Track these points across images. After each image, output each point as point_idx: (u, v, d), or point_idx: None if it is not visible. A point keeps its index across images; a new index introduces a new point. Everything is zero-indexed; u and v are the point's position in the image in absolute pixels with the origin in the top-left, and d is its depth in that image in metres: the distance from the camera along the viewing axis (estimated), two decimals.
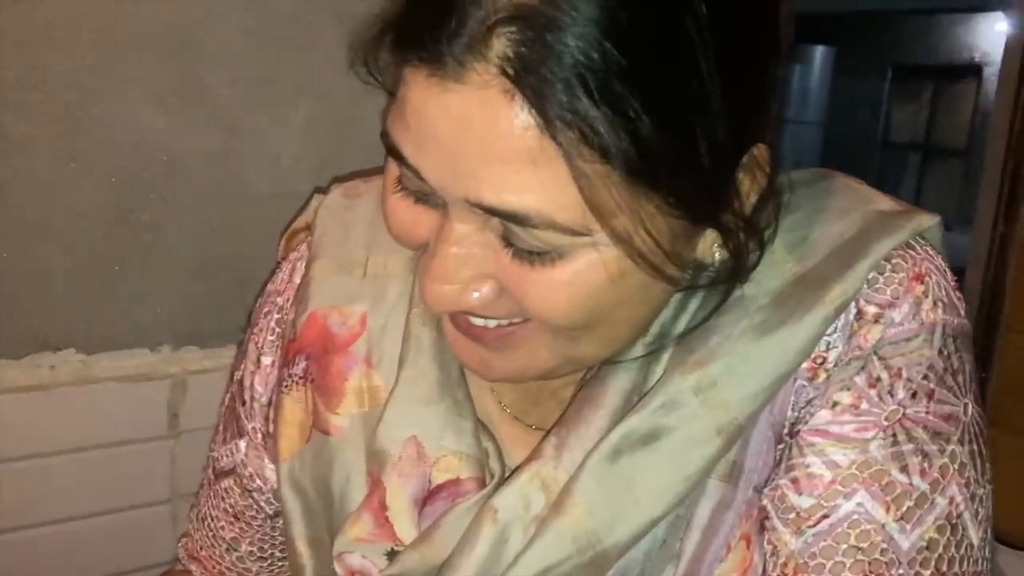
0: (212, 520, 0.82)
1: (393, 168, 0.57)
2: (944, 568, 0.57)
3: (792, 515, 0.59)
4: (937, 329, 0.59)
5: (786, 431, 0.61)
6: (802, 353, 0.58)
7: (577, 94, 0.47)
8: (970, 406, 0.60)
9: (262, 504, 0.79)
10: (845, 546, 0.57)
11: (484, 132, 0.49)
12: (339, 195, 0.76)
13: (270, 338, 0.76)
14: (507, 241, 0.53)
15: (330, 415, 0.69)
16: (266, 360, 0.76)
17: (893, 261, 0.60)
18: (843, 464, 0.58)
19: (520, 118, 0.48)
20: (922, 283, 0.60)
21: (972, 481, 0.58)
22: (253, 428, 0.77)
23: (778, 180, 0.59)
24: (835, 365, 0.59)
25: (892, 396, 0.58)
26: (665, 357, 0.61)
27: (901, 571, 0.56)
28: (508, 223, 0.51)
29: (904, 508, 0.57)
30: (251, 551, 0.82)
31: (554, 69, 0.47)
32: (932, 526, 0.57)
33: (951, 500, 0.57)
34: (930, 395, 0.58)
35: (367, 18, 0.58)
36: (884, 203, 0.63)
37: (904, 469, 0.57)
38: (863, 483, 0.57)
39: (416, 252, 0.69)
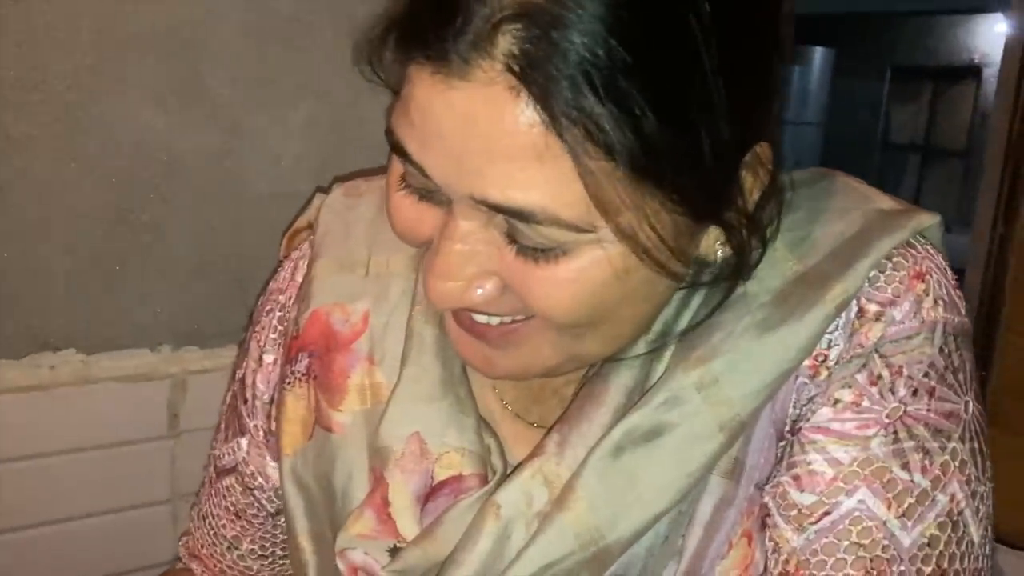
0: (213, 518, 0.82)
1: (397, 165, 0.57)
2: (945, 565, 0.57)
3: (794, 512, 0.59)
4: (938, 327, 0.60)
5: (787, 428, 0.61)
6: (804, 351, 0.59)
7: (582, 91, 0.47)
8: (971, 404, 0.60)
9: (263, 502, 0.79)
10: (847, 543, 0.57)
11: (489, 129, 0.49)
12: (341, 194, 0.76)
13: (272, 336, 0.76)
14: (511, 238, 0.53)
15: (332, 412, 0.69)
16: (268, 358, 0.76)
17: (894, 260, 0.60)
18: (845, 461, 0.58)
19: (525, 115, 0.48)
20: (923, 281, 0.60)
21: (973, 478, 0.59)
22: (255, 426, 0.77)
23: (780, 178, 0.60)
24: (836, 363, 0.60)
25: (893, 394, 0.58)
26: (667, 354, 0.61)
27: (903, 568, 0.56)
28: (513, 220, 0.51)
29: (905, 505, 0.57)
30: (252, 549, 0.82)
31: (560, 66, 0.47)
32: (933, 523, 0.57)
33: (952, 497, 0.58)
34: (931, 393, 0.59)
35: (368, 18, 0.58)
36: (885, 202, 0.63)
37: (905, 466, 0.57)
38: (864, 480, 0.58)
39: (418, 251, 0.69)
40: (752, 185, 0.57)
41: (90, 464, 1.14)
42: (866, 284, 0.59)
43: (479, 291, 0.55)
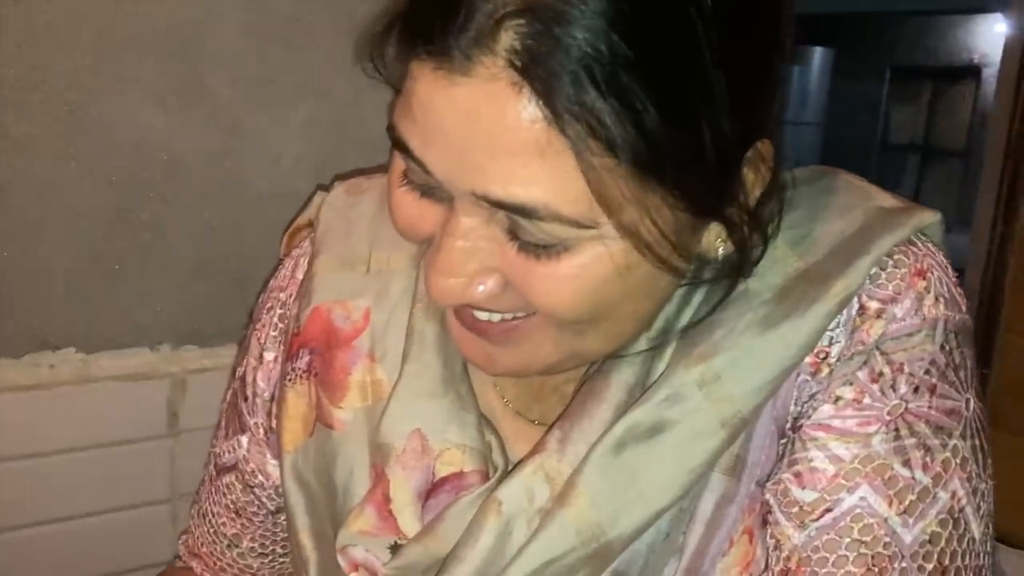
0: (213, 516, 0.82)
1: (398, 162, 0.57)
2: (946, 561, 0.57)
3: (795, 509, 0.59)
4: (939, 324, 0.60)
5: (788, 426, 0.61)
6: (805, 347, 0.59)
7: (584, 87, 0.47)
8: (972, 401, 0.60)
9: (263, 500, 0.79)
10: (848, 540, 0.57)
11: (491, 125, 0.49)
12: (342, 192, 0.76)
13: (272, 333, 0.76)
14: (513, 234, 0.53)
15: (333, 409, 0.69)
16: (268, 355, 0.76)
17: (895, 257, 0.60)
18: (846, 458, 0.58)
19: (527, 111, 0.48)
20: (924, 279, 0.60)
21: (974, 475, 0.59)
22: (255, 424, 0.77)
23: (781, 175, 0.60)
24: (837, 360, 0.60)
25: (894, 391, 0.58)
26: (668, 352, 0.62)
27: (904, 564, 0.56)
28: (515, 216, 0.52)
29: (907, 502, 0.57)
30: (252, 547, 0.82)
31: (562, 62, 0.47)
32: (934, 520, 0.57)
33: (953, 494, 0.58)
34: (932, 390, 0.59)
35: (368, 17, 0.58)
36: (886, 200, 0.63)
37: (907, 463, 0.57)
38: (866, 477, 0.58)
39: (419, 249, 0.69)
40: (754, 181, 0.57)
41: (89, 463, 1.14)
42: (867, 281, 0.59)
43: (480, 288, 0.55)
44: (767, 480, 0.61)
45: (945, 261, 0.62)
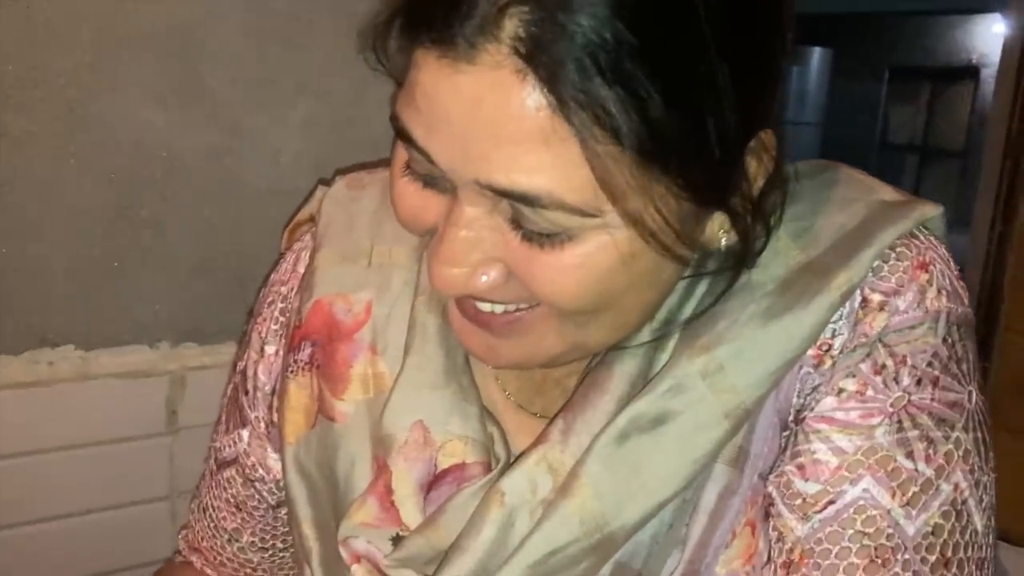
0: (214, 511, 0.82)
1: (401, 152, 0.57)
2: (949, 553, 0.57)
3: (798, 501, 0.59)
4: (941, 317, 0.60)
5: (791, 418, 0.61)
6: (808, 339, 0.59)
7: (589, 74, 0.47)
8: (974, 394, 0.60)
9: (264, 494, 0.79)
10: (851, 531, 0.57)
11: (495, 113, 0.49)
12: (343, 186, 0.76)
13: (274, 327, 0.76)
14: (516, 224, 0.53)
15: (335, 401, 0.69)
16: (270, 349, 0.76)
17: (897, 250, 0.60)
18: (849, 450, 0.58)
19: (532, 98, 0.48)
20: (926, 271, 0.60)
21: (976, 468, 0.59)
22: (256, 417, 0.77)
23: (784, 165, 0.60)
24: (840, 352, 0.60)
25: (897, 383, 0.58)
26: (671, 344, 0.62)
27: (907, 556, 0.56)
28: (518, 205, 0.51)
29: (910, 494, 0.57)
30: (252, 542, 0.82)
31: (566, 49, 0.47)
32: (937, 512, 0.57)
33: (956, 486, 0.58)
34: (935, 382, 0.59)
35: (367, 16, 0.58)
36: (887, 193, 0.63)
37: (910, 455, 0.57)
38: (869, 469, 0.58)
39: (421, 242, 0.69)
40: (756, 171, 0.57)
41: (88, 460, 1.14)
42: (870, 274, 0.59)
43: (484, 278, 0.55)
44: (769, 472, 0.61)
45: (947, 254, 0.62)
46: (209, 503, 0.83)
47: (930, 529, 0.57)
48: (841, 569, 0.57)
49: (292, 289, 0.76)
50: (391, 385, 0.66)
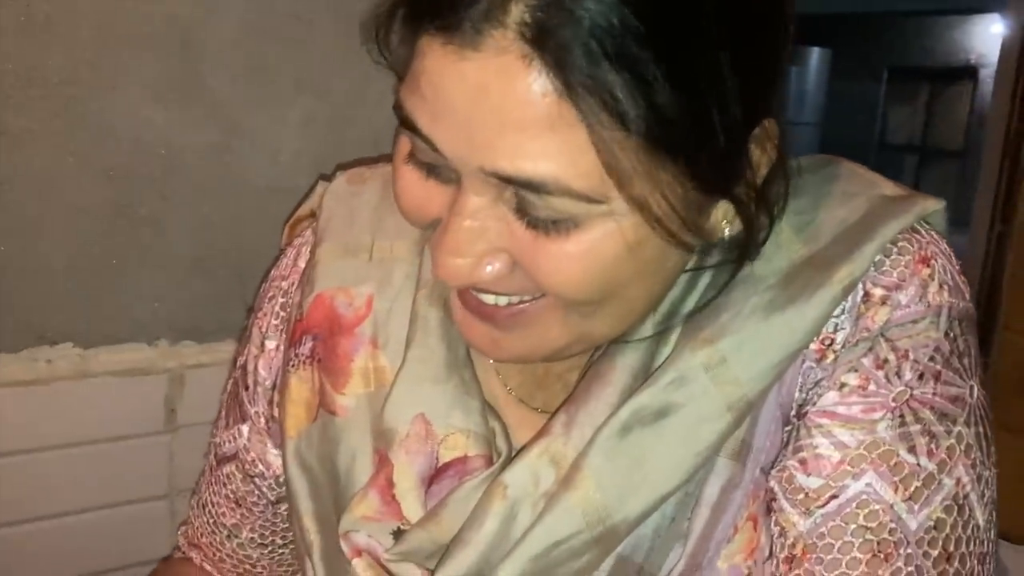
0: (213, 506, 0.82)
1: (404, 144, 0.57)
2: (951, 548, 0.57)
3: (800, 496, 0.59)
4: (943, 311, 0.60)
5: (793, 412, 0.61)
6: (810, 332, 0.59)
7: (596, 59, 0.47)
8: (975, 388, 0.60)
9: (264, 490, 0.79)
10: (854, 526, 0.57)
11: (501, 100, 0.49)
12: (344, 181, 0.76)
13: (274, 322, 0.76)
14: (521, 212, 0.53)
15: (336, 395, 0.69)
16: (270, 344, 0.76)
17: (899, 244, 0.60)
18: (851, 445, 0.58)
19: (538, 84, 0.48)
20: (928, 266, 0.60)
21: (978, 463, 0.59)
22: (256, 413, 0.77)
23: (787, 154, 0.60)
24: (843, 347, 0.60)
25: (899, 377, 0.58)
26: (673, 337, 0.62)
27: (909, 551, 0.56)
28: (523, 192, 0.51)
29: (912, 488, 0.57)
30: (252, 538, 0.82)
31: (573, 34, 0.47)
32: (939, 506, 0.57)
33: (958, 481, 0.58)
34: (937, 377, 0.59)
35: (366, 13, 0.58)
36: (888, 188, 0.64)
37: (912, 450, 0.57)
38: (871, 464, 0.58)
39: (422, 236, 0.69)
40: (760, 160, 0.57)
41: (87, 459, 1.14)
42: (872, 268, 0.60)
43: (488, 268, 0.55)
44: (771, 467, 0.61)
45: (948, 249, 0.62)
46: (208, 499, 0.83)
47: (932, 524, 0.57)
48: (844, 564, 0.57)
49: (293, 284, 0.76)
50: (392, 379, 0.66)
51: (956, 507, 0.57)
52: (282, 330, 0.75)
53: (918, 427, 0.58)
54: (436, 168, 0.55)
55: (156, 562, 0.91)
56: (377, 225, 0.72)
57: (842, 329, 0.60)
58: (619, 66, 0.47)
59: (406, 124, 0.54)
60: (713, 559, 0.60)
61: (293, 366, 0.71)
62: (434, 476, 0.64)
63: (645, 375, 0.61)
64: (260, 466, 0.78)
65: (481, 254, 0.54)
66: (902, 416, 0.58)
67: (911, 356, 0.59)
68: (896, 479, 0.57)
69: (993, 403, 0.62)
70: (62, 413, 1.12)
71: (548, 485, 0.60)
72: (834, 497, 0.58)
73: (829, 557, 0.57)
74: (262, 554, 0.83)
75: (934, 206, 0.62)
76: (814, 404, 0.60)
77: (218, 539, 0.83)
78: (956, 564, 0.57)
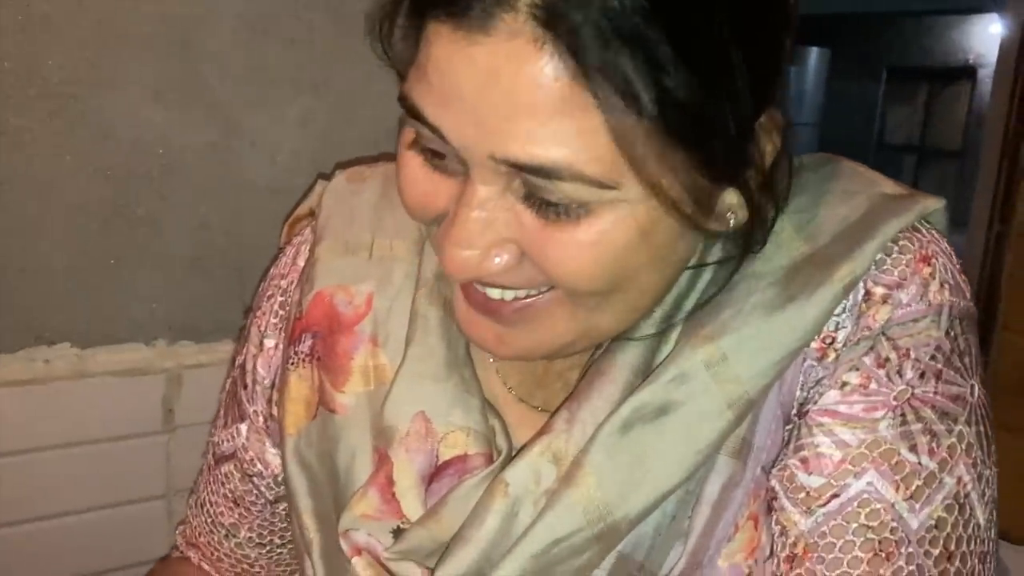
0: (211, 506, 0.82)
1: (409, 137, 0.57)
2: (952, 547, 0.57)
3: (802, 495, 0.59)
4: (944, 310, 0.60)
5: (794, 411, 0.61)
6: (811, 330, 0.59)
7: (608, 42, 0.47)
8: (976, 388, 0.60)
9: (262, 489, 0.79)
10: (855, 525, 0.57)
11: (511, 84, 0.48)
12: (344, 180, 0.76)
13: (273, 321, 0.76)
14: (530, 202, 0.53)
15: (336, 393, 0.68)
16: (269, 343, 0.76)
17: (900, 243, 0.60)
18: (852, 444, 0.58)
19: (549, 67, 0.48)
20: (929, 265, 0.60)
21: (979, 462, 0.59)
22: (255, 411, 0.77)
23: (790, 143, 0.60)
24: (844, 345, 0.60)
25: (901, 376, 0.58)
26: (674, 335, 0.62)
27: (911, 550, 0.56)
28: (533, 179, 0.51)
29: (913, 487, 0.57)
30: (250, 537, 0.82)
31: (585, 16, 0.47)
32: (940, 505, 0.57)
33: (959, 480, 0.58)
34: (938, 375, 0.59)
35: (364, 13, 0.58)
36: (889, 186, 0.64)
37: (913, 448, 0.57)
38: (873, 462, 0.57)
39: (421, 235, 0.69)
40: (766, 147, 0.57)
41: (85, 459, 1.14)
42: (873, 267, 0.59)
43: (497, 260, 0.54)
44: (772, 466, 0.61)
45: (949, 248, 0.62)
46: (207, 498, 0.83)
47: (933, 522, 0.57)
48: (845, 563, 0.57)
49: (292, 283, 0.75)
50: (392, 377, 0.66)
51: (957, 506, 0.57)
52: (281, 329, 0.75)
53: (919, 426, 0.58)
54: (442, 160, 0.55)
55: (154, 562, 0.91)
56: (377, 223, 0.72)
57: (843, 328, 0.60)
58: (632, 49, 0.47)
59: (412, 115, 0.54)
60: (714, 558, 0.60)
61: (293, 364, 0.71)
62: (434, 474, 0.64)
63: (646, 372, 0.61)
64: (258, 465, 0.78)
65: (489, 245, 0.54)
66: (903, 415, 0.58)
67: (912, 355, 0.59)
68: (897, 478, 0.57)
69: (992, 403, 0.62)
70: (60, 413, 1.12)
71: (549, 483, 0.60)
72: (835, 496, 0.58)
73: (830, 556, 0.57)
74: (260, 554, 0.83)
75: (935, 205, 0.62)
76: (815, 403, 0.60)
77: (216, 538, 0.83)
78: (957, 563, 0.57)
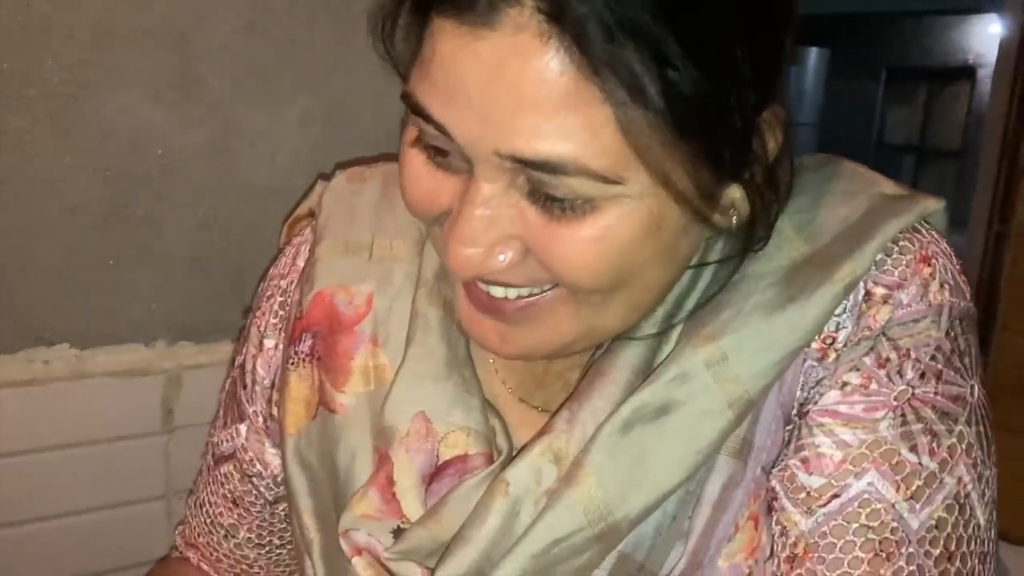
0: (211, 506, 0.82)
1: (412, 136, 0.57)
2: (952, 547, 0.57)
3: (802, 495, 0.59)
4: (944, 311, 0.60)
5: (795, 411, 0.61)
6: (811, 330, 0.59)
7: (613, 35, 0.47)
8: (976, 388, 0.60)
9: (261, 489, 0.79)
10: (856, 525, 0.57)
11: (517, 79, 0.48)
12: (344, 180, 0.76)
13: (273, 321, 0.76)
14: (535, 199, 0.53)
15: (336, 393, 0.68)
16: (269, 343, 0.76)
17: (900, 243, 0.60)
18: (853, 444, 0.58)
19: (555, 62, 0.48)
20: (929, 265, 0.60)
21: (979, 462, 0.59)
22: (254, 412, 0.77)
23: (792, 138, 0.60)
24: (844, 345, 0.60)
25: (901, 376, 0.58)
26: (674, 335, 0.62)
27: (911, 550, 0.56)
28: (538, 175, 0.51)
29: (914, 487, 0.57)
30: (249, 538, 0.82)
31: (590, 10, 0.47)
32: (941, 505, 0.57)
33: (959, 480, 0.58)
34: (938, 376, 0.59)
35: (364, 12, 0.58)
36: (889, 187, 0.64)
37: (913, 449, 0.57)
38: (873, 463, 0.57)
39: (421, 236, 0.69)
40: (769, 142, 0.57)
41: (84, 460, 1.14)
42: (873, 267, 0.59)
43: (501, 257, 0.54)
44: (773, 466, 0.61)
45: (949, 249, 0.62)
46: (206, 498, 0.82)
47: (934, 523, 0.57)
48: (846, 563, 0.57)
49: (292, 283, 0.75)
50: (392, 377, 0.66)
51: (957, 506, 0.57)
52: (281, 329, 0.75)
53: (920, 426, 0.58)
54: (445, 158, 0.55)
55: (153, 562, 0.90)
56: (377, 224, 0.72)
57: (844, 328, 0.60)
58: (637, 42, 0.47)
59: (416, 112, 0.54)
60: (714, 558, 0.60)
61: (293, 364, 0.71)
62: (434, 474, 0.64)
63: (647, 372, 0.61)
64: (258, 465, 0.78)
65: (493, 243, 0.54)
66: (904, 415, 0.58)
67: (912, 355, 0.59)
68: (898, 478, 0.57)
69: (992, 403, 0.62)
70: (59, 414, 1.11)
71: (550, 482, 0.60)
72: (836, 496, 0.58)
73: (831, 556, 0.57)
74: (259, 554, 0.83)
75: (935, 206, 0.62)
76: (816, 403, 0.60)
77: (215, 539, 0.83)
78: (957, 563, 0.57)
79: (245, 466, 0.78)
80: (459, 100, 0.51)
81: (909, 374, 0.58)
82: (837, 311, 0.60)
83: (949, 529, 0.57)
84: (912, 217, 0.61)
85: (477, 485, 0.62)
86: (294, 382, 0.71)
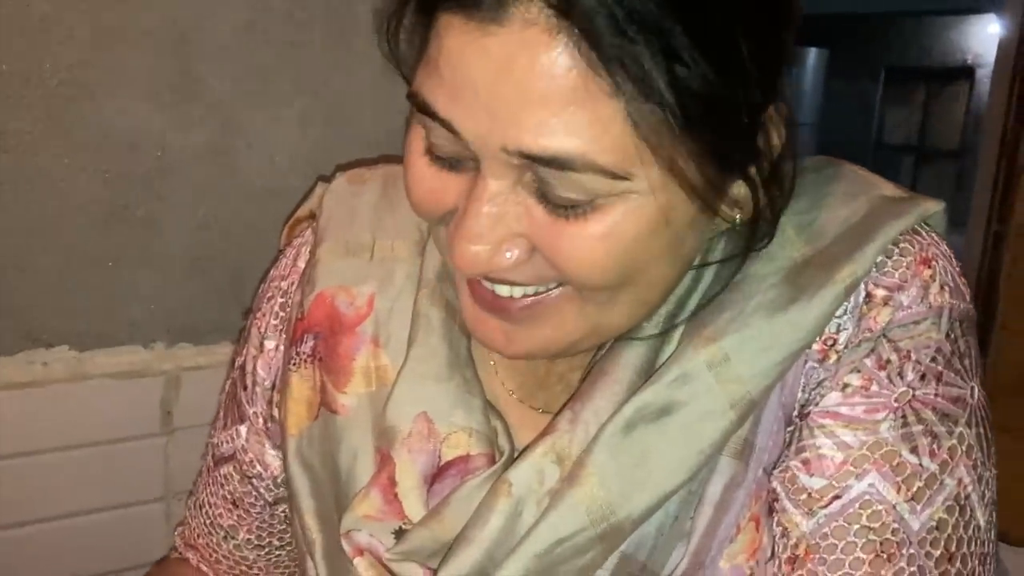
0: (210, 507, 0.82)
1: (417, 134, 0.57)
2: (953, 548, 0.57)
3: (803, 496, 0.59)
4: (944, 312, 0.60)
5: (796, 413, 0.61)
6: (813, 331, 0.59)
7: (623, 30, 0.47)
8: (976, 389, 0.60)
9: (261, 491, 0.79)
10: (857, 526, 0.57)
11: (525, 75, 0.48)
12: (344, 181, 0.76)
13: (273, 322, 0.76)
14: (541, 196, 0.53)
15: (338, 394, 0.68)
16: (269, 344, 0.76)
17: (900, 245, 0.60)
18: (854, 445, 0.58)
19: (564, 57, 0.48)
20: (929, 267, 0.60)
21: (979, 463, 0.59)
22: (255, 413, 0.77)
23: (796, 135, 0.60)
24: (845, 347, 0.60)
25: (902, 378, 0.58)
26: (676, 335, 0.62)
27: (912, 551, 0.56)
28: (546, 171, 0.51)
29: (914, 488, 0.57)
30: (249, 539, 0.82)
31: (599, 4, 0.47)
32: (941, 507, 0.57)
33: (959, 481, 0.58)
34: (939, 377, 0.59)
35: (363, 14, 0.58)
36: (889, 189, 0.64)
37: (914, 450, 0.57)
38: (874, 464, 0.58)
39: (422, 236, 0.69)
40: (773, 139, 0.57)
41: (83, 461, 1.14)
42: (873, 269, 0.60)
43: (507, 255, 0.54)
44: (774, 467, 0.61)
45: (949, 250, 0.62)
46: (206, 499, 0.82)
47: (934, 524, 0.57)
48: (847, 564, 0.57)
49: (292, 284, 0.75)
50: (394, 378, 0.66)
51: (958, 507, 0.57)
52: (281, 330, 0.75)
53: (920, 428, 0.58)
54: (453, 157, 0.55)
55: (152, 563, 0.90)
56: (377, 224, 0.72)
57: (844, 329, 0.60)
58: (647, 37, 0.47)
59: (423, 110, 0.53)
60: (716, 558, 0.60)
61: (294, 365, 0.71)
62: (436, 475, 0.64)
63: (649, 373, 0.61)
64: (258, 467, 0.78)
65: (500, 240, 0.54)
66: (904, 417, 0.58)
67: (913, 357, 0.59)
68: (899, 479, 0.57)
69: (991, 403, 0.62)
70: (58, 415, 1.12)
71: (553, 483, 0.60)
72: (837, 497, 0.58)
73: (832, 557, 0.57)
74: (259, 555, 0.83)
75: (935, 207, 0.62)
76: (817, 404, 0.60)
77: (215, 540, 0.83)
78: (958, 564, 0.57)
79: (245, 467, 0.78)
80: (466, 96, 0.51)
81: (910, 376, 0.59)
82: (838, 313, 0.60)
83: (949, 530, 0.57)
84: (912, 219, 0.61)
85: (479, 485, 0.62)
86: (296, 383, 0.71)
